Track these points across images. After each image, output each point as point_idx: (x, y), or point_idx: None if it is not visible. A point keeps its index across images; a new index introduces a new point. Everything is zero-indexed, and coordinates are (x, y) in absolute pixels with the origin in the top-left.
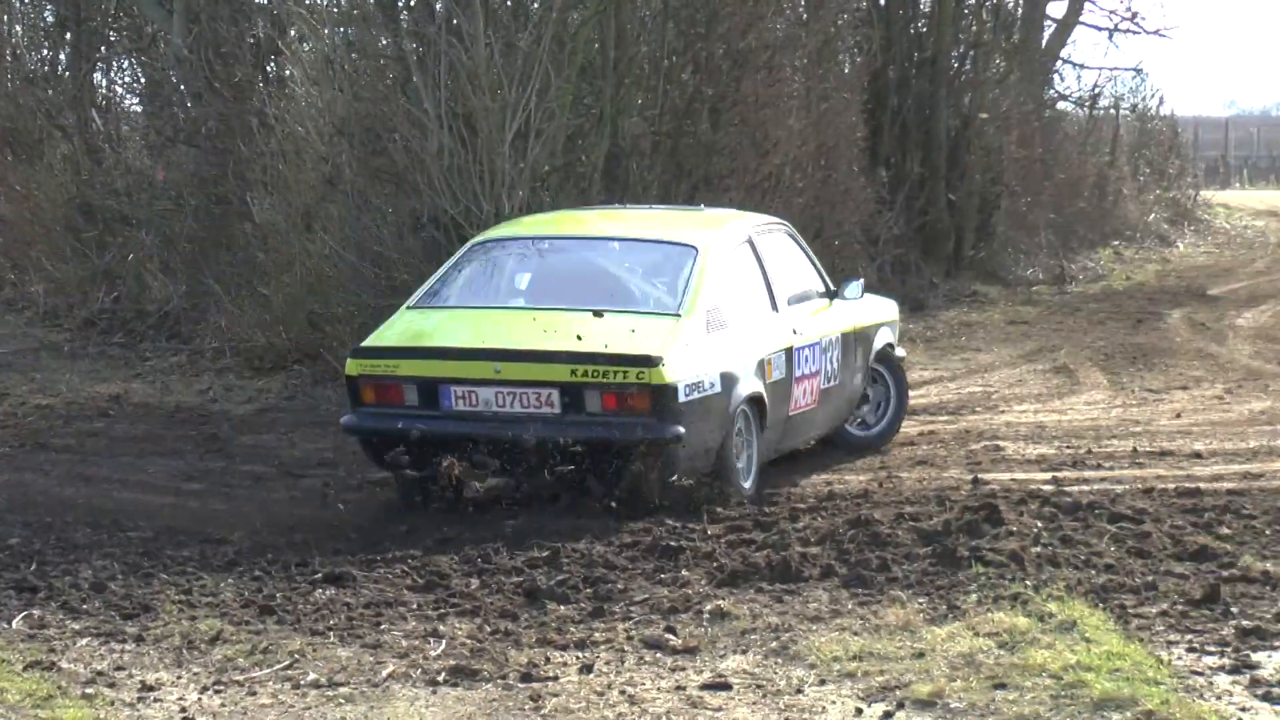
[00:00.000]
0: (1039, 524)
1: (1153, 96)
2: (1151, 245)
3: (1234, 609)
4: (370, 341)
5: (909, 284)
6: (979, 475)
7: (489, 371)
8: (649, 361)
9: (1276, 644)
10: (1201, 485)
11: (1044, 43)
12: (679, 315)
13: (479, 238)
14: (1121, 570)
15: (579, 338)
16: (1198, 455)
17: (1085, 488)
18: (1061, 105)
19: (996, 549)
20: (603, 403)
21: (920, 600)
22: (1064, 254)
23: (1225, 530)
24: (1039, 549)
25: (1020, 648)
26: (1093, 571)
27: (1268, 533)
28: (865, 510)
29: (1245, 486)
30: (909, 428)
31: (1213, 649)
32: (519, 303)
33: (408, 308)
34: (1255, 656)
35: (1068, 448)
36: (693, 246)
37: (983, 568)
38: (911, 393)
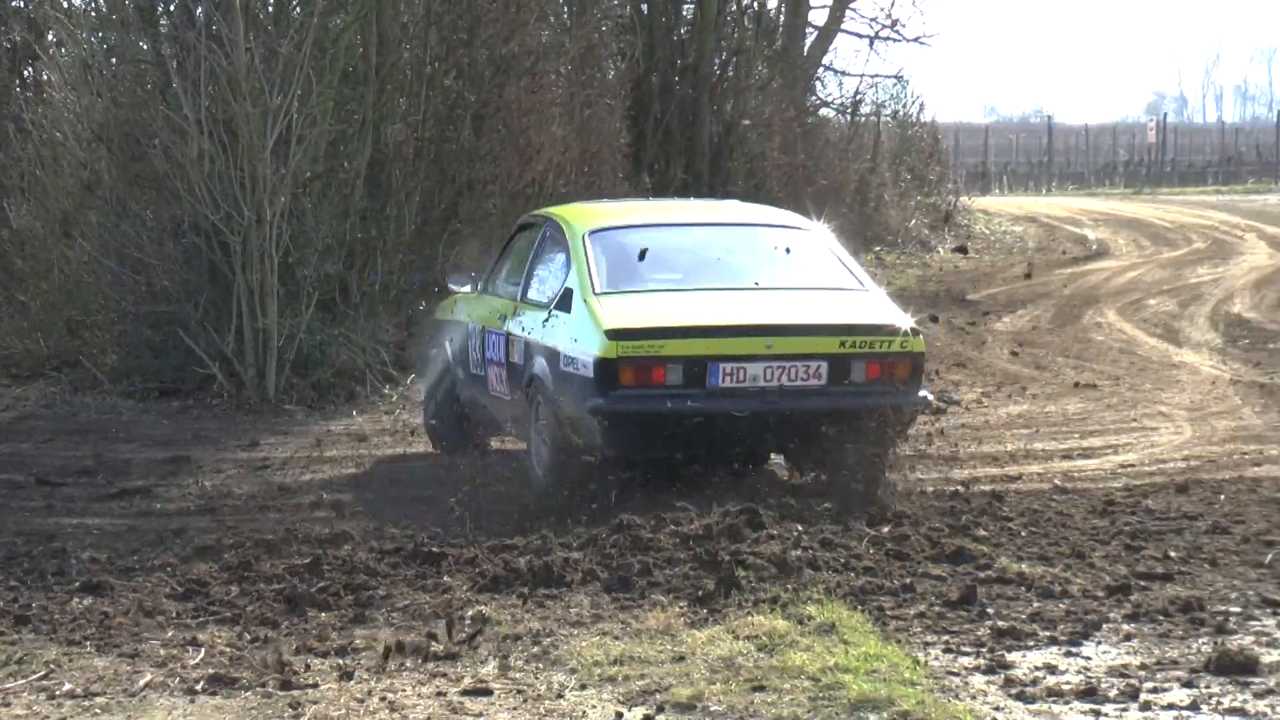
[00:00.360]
0: (800, 527)
1: (914, 103)
2: (913, 250)
3: (990, 610)
4: (626, 324)
5: None
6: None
7: (760, 347)
8: (911, 331)
9: (1030, 644)
10: (959, 488)
11: (806, 50)
12: (867, 290)
13: (586, 228)
14: (880, 572)
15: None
16: (955, 458)
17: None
18: (824, 112)
19: (757, 553)
20: (867, 373)
21: (681, 604)
22: None
23: (982, 532)
24: (799, 552)
25: (779, 650)
26: (852, 574)
27: (1024, 534)
28: (627, 515)
29: (1002, 489)
30: None
31: (968, 649)
32: (707, 284)
33: (596, 294)
34: (1010, 656)
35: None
36: (803, 229)
37: (743, 571)
38: None
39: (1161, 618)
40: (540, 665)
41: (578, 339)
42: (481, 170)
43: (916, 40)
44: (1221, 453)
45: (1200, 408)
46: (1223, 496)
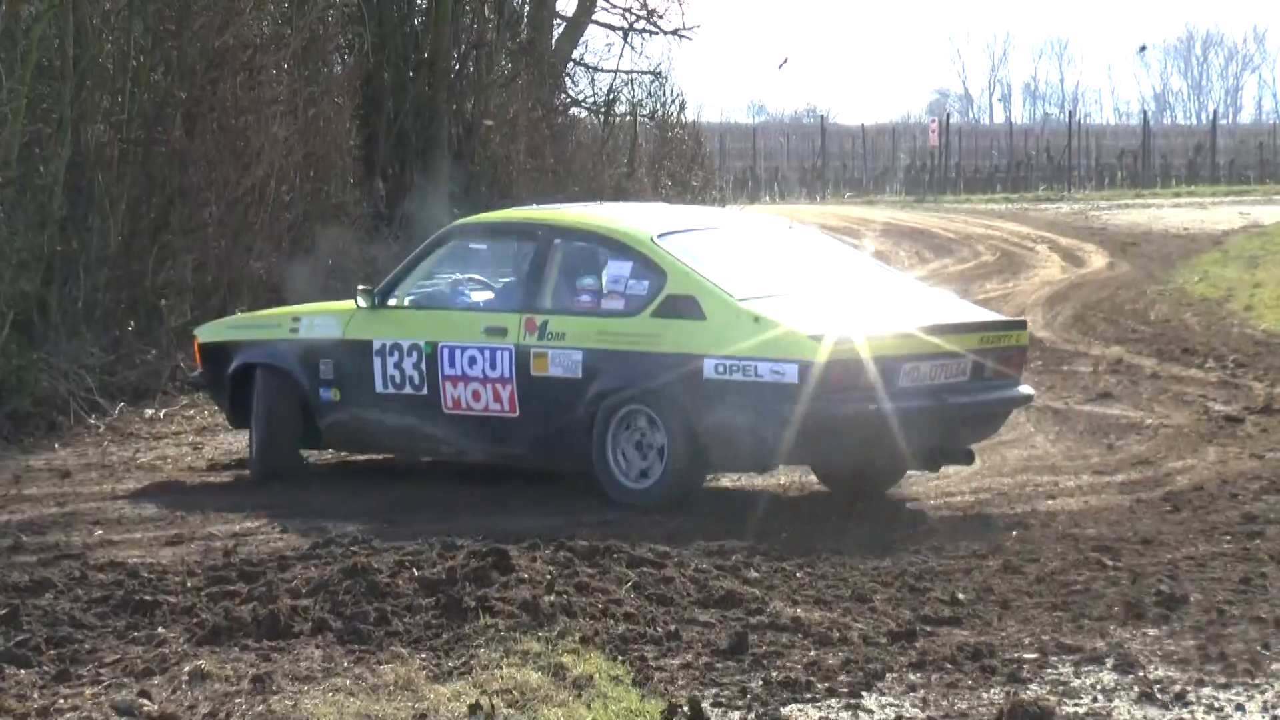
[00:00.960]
0: (553, 570)
1: (674, 102)
2: None
3: (763, 659)
4: (828, 328)
5: None
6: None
7: (932, 346)
8: (1023, 325)
9: (808, 696)
10: (731, 529)
11: (554, 43)
12: (925, 285)
13: (650, 232)
14: (642, 619)
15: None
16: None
17: (605, 530)
18: (575, 111)
19: (506, 598)
20: (996, 368)
21: (423, 656)
22: None
23: (754, 574)
24: (553, 597)
25: (532, 706)
26: (611, 621)
27: (799, 575)
28: (362, 558)
29: (774, 527)
30: (412, 470)
31: (739, 704)
32: (815, 285)
33: (739, 298)
34: (785, 711)
35: (587, 490)
36: (795, 227)
37: (491, 619)
38: None
39: (950, 666)
40: None
41: (749, 346)
42: (195, 175)
43: (675, 33)
44: (1013, 484)
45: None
46: (1014, 533)
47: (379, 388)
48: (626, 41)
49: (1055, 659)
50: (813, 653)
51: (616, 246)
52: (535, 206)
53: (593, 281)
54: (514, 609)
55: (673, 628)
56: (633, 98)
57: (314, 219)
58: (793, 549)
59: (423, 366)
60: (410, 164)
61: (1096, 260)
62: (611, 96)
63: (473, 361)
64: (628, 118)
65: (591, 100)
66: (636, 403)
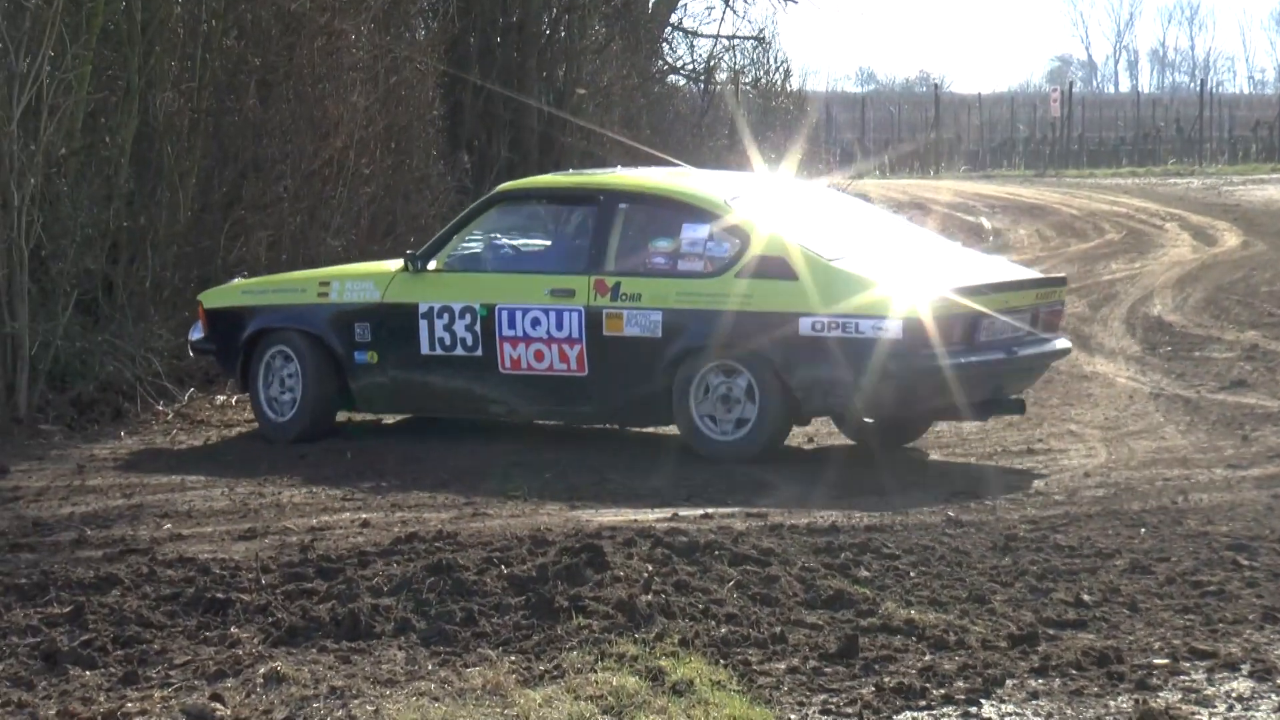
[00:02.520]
0: (650, 568)
1: (778, 69)
2: None
3: (874, 664)
4: (924, 285)
5: None
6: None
7: (1003, 302)
8: (1063, 281)
9: (922, 704)
10: (836, 521)
11: (650, 6)
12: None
13: (724, 196)
14: (745, 620)
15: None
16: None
17: (705, 525)
18: (672, 79)
19: (601, 597)
20: (1046, 322)
21: (512, 659)
22: None
23: (864, 573)
24: (650, 597)
25: (629, 713)
26: (712, 622)
27: (912, 575)
28: (448, 554)
29: (887, 521)
30: (499, 457)
31: (849, 710)
32: (892, 245)
33: (829, 259)
34: (898, 718)
35: (683, 480)
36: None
37: (585, 619)
38: None
39: (1074, 671)
40: None
41: (846, 304)
42: (269, 147)
43: None
44: (1141, 479)
45: (1116, 426)
46: (1143, 530)
47: (424, 349)
48: (728, 5)
49: (1187, 665)
50: (927, 657)
51: (692, 210)
52: (584, 171)
53: (668, 244)
54: (609, 609)
55: (778, 629)
56: (734, 64)
57: (395, 194)
58: (906, 546)
59: (477, 328)
60: (498, 136)
61: (1230, 239)
62: (711, 63)
63: (536, 323)
64: (729, 86)
65: (690, 67)
66: (725, 359)
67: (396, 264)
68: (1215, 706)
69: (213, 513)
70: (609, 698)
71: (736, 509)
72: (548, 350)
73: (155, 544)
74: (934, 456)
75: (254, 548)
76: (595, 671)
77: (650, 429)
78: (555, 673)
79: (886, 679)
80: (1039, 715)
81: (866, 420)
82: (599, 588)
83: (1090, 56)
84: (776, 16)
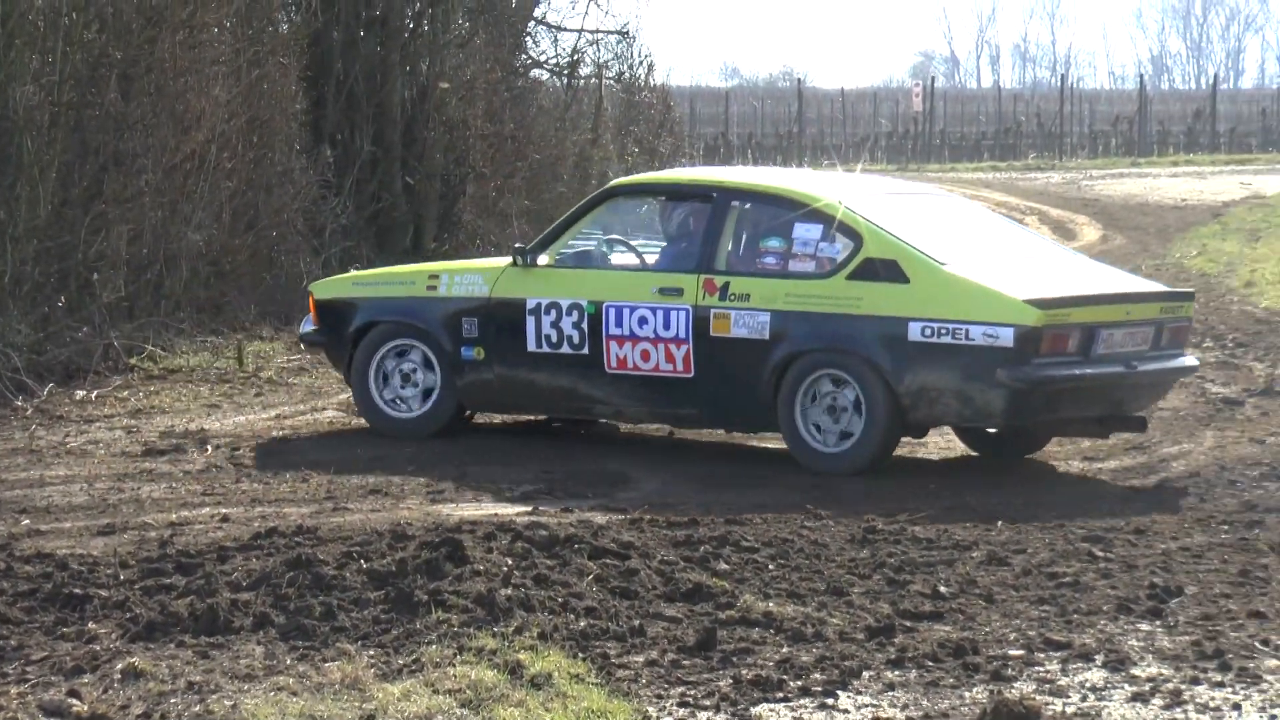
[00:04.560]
0: (510, 562)
1: (642, 64)
2: None
3: (733, 656)
4: (1042, 294)
5: None
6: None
7: (1123, 314)
8: (1190, 296)
9: (779, 696)
10: (695, 515)
11: (514, 1)
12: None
13: (839, 198)
14: (604, 614)
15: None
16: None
17: (566, 519)
18: (536, 73)
19: (460, 591)
20: (1170, 337)
21: (371, 653)
22: None
23: (723, 566)
24: (509, 591)
25: (486, 706)
26: (572, 616)
27: (771, 568)
28: (307, 549)
29: (746, 516)
30: (358, 452)
31: (708, 703)
32: (1007, 253)
33: (941, 263)
34: (755, 711)
35: (545, 473)
36: (943, 194)
37: (444, 613)
38: (353, 411)
39: (930, 663)
40: None
41: (959, 310)
42: (131, 141)
43: None
44: (1001, 470)
45: None
46: (1000, 522)
47: (531, 346)
48: None
49: (1042, 655)
50: (785, 649)
51: (805, 210)
52: (700, 169)
53: (779, 244)
54: (468, 603)
55: (637, 623)
56: (598, 59)
57: (257, 187)
58: (765, 539)
59: (584, 326)
60: (360, 130)
61: (1089, 233)
62: (575, 57)
63: (643, 321)
64: (592, 80)
65: (554, 62)
66: (832, 365)
67: (507, 260)
68: (1069, 696)
69: (71, 508)
70: (467, 691)
71: (597, 503)
72: (654, 350)
73: (13, 540)
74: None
75: (113, 543)
76: (454, 665)
77: (756, 437)
78: (414, 666)
79: (744, 671)
80: (895, 706)
81: (990, 431)
82: (458, 582)
83: (953, 52)
84: (640, 11)
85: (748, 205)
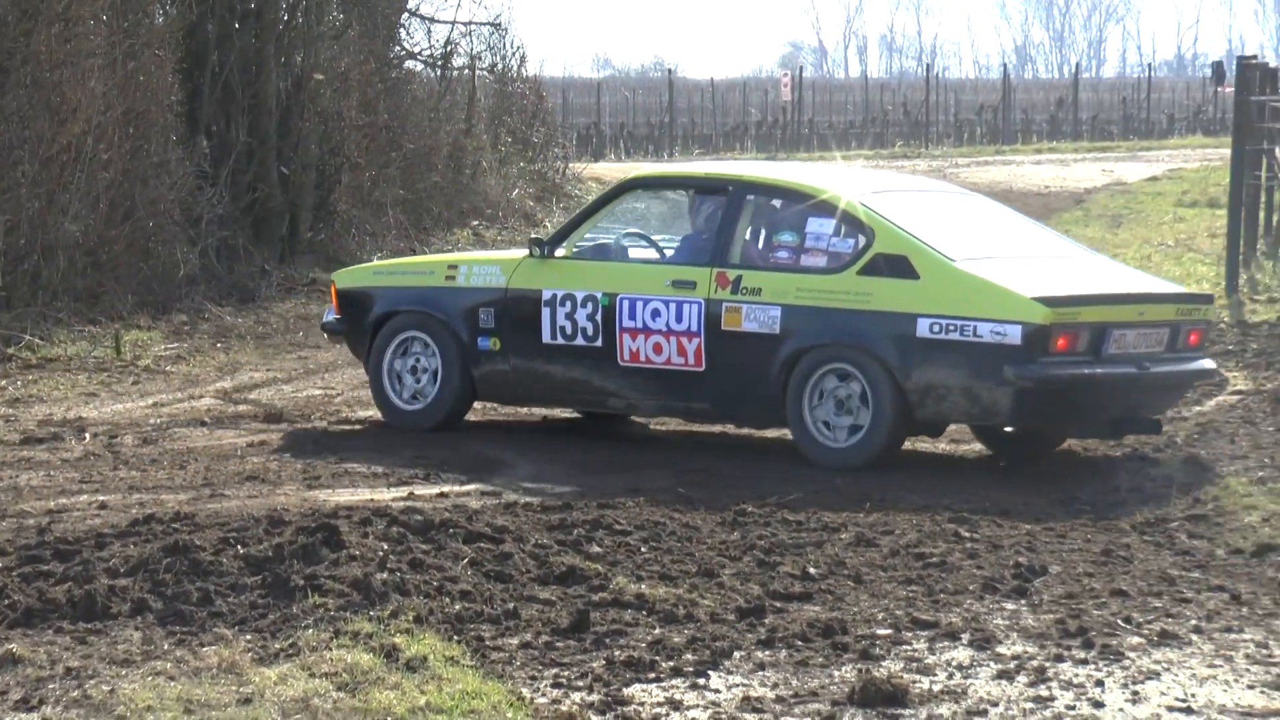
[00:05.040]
0: (385, 546)
1: (514, 55)
2: (516, 225)
3: (605, 638)
4: (1053, 291)
5: (237, 271)
6: (318, 492)
7: (1135, 314)
8: (1211, 299)
9: (651, 676)
10: (570, 498)
11: None
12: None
13: (862, 192)
14: (479, 597)
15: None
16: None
17: (441, 504)
18: (410, 64)
19: (336, 576)
20: (1187, 339)
21: (248, 637)
22: (416, 235)
23: (596, 549)
24: (385, 575)
25: (363, 689)
26: (447, 599)
27: (643, 550)
28: (185, 535)
29: (619, 499)
30: (236, 439)
31: (581, 684)
32: (1021, 251)
33: (954, 260)
34: (628, 691)
35: (420, 458)
36: (965, 193)
37: (320, 598)
38: (237, 396)
39: (800, 643)
40: (82, 711)
41: (968, 306)
42: (6, 133)
43: None
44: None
45: None
46: (868, 504)
47: (546, 338)
48: None
49: (909, 635)
50: (657, 631)
51: (819, 204)
52: (719, 162)
53: (792, 238)
54: (344, 587)
55: (511, 606)
56: (471, 50)
57: (133, 179)
58: (638, 522)
59: (598, 318)
60: (236, 121)
61: None
62: (449, 49)
63: (656, 314)
64: (466, 71)
65: (428, 53)
66: (839, 360)
67: (525, 251)
68: (936, 675)
69: None
70: (343, 675)
71: (472, 487)
72: (666, 343)
73: None
74: (661, 431)
75: None
76: (330, 649)
77: (767, 433)
78: (290, 651)
79: (617, 653)
80: (765, 686)
81: (1007, 430)
82: (335, 566)
83: (821, 42)
84: (513, 2)
85: (763, 199)
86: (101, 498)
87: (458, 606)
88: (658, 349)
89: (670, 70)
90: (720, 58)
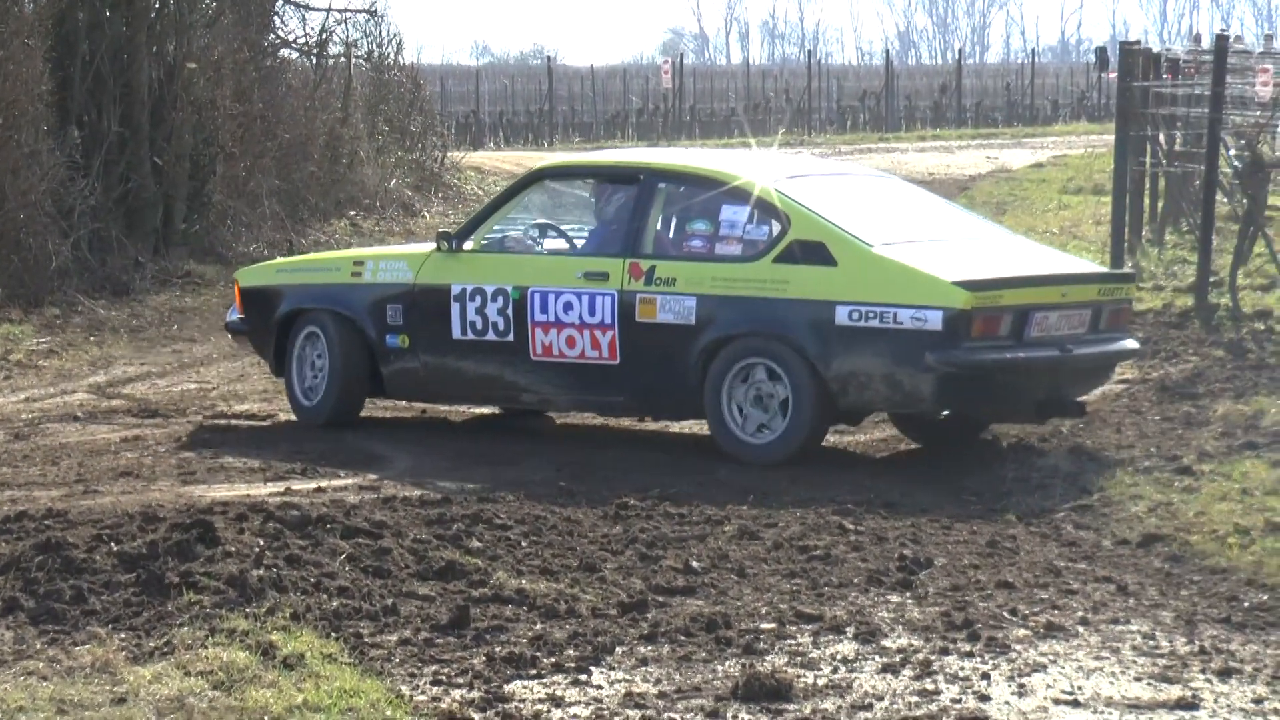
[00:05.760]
0: (261, 543)
1: (391, 42)
2: (394, 215)
3: (486, 634)
4: (972, 275)
5: (110, 263)
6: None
7: (1057, 296)
8: (1131, 278)
9: (533, 673)
10: (449, 492)
11: None
12: (1016, 235)
13: (776, 176)
14: (357, 593)
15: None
16: None
17: (318, 499)
18: (285, 53)
19: (212, 573)
20: (1109, 319)
21: (122, 636)
22: (292, 226)
23: (476, 543)
24: (261, 572)
25: (238, 687)
26: (324, 596)
27: (524, 545)
28: (57, 532)
29: (499, 493)
30: (110, 434)
31: (461, 681)
32: (939, 235)
33: (872, 245)
34: (509, 688)
35: (297, 453)
36: (886, 177)
37: (196, 595)
38: (111, 391)
39: (683, 638)
40: None
41: (886, 292)
42: None
43: None
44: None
45: None
46: (751, 497)
47: (456, 334)
48: None
49: (794, 629)
50: (538, 626)
51: (733, 191)
52: (630, 150)
53: (706, 226)
54: (220, 584)
55: (390, 602)
56: (347, 38)
57: (3, 170)
58: (518, 516)
59: (509, 312)
60: (108, 110)
61: None
62: (324, 36)
63: (568, 307)
64: (342, 59)
65: (303, 41)
66: (757, 352)
67: (432, 246)
68: (820, 669)
69: None
70: (219, 673)
71: (350, 481)
72: (580, 336)
73: None
74: (541, 424)
75: None
76: (206, 647)
77: (685, 425)
78: (165, 649)
79: (498, 649)
80: (648, 681)
81: (940, 418)
82: (210, 563)
83: (702, 29)
84: None
85: (675, 187)
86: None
87: (335, 603)
88: (571, 342)
89: (550, 57)
90: (601, 45)
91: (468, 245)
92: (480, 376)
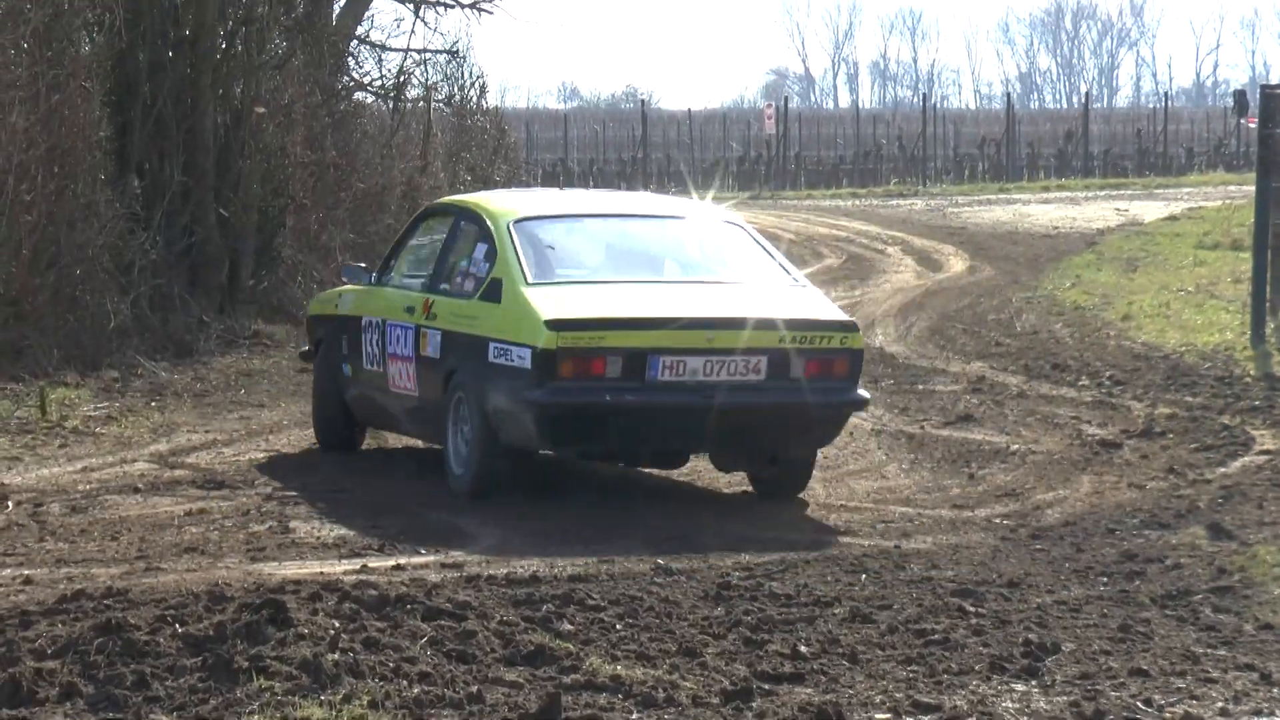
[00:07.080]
0: (337, 624)
1: (473, 85)
2: None
3: None
4: (566, 314)
5: (173, 323)
6: (261, 565)
7: (701, 340)
8: (851, 327)
9: None
10: (537, 570)
11: (335, 18)
12: (800, 284)
13: (511, 217)
14: (440, 679)
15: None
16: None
17: (397, 577)
18: (360, 96)
19: (284, 657)
20: (805, 369)
21: None
22: None
23: (567, 626)
24: (337, 655)
25: None
26: (404, 682)
27: (618, 628)
28: (117, 612)
29: (591, 571)
30: (172, 507)
31: None
32: (640, 276)
33: (528, 284)
34: None
35: (373, 527)
36: (725, 221)
37: (266, 681)
38: (174, 460)
39: None
40: None
41: (511, 330)
42: None
43: (474, 6)
44: (862, 520)
45: (835, 465)
46: (864, 576)
47: (365, 364)
48: (418, 16)
49: (910, 719)
50: (635, 716)
51: (483, 229)
52: (481, 192)
53: (465, 263)
54: (292, 669)
55: (475, 689)
56: (426, 80)
57: (59, 222)
58: (612, 596)
59: (379, 343)
60: (170, 158)
61: (955, 264)
62: (402, 79)
63: (397, 339)
64: (420, 103)
65: (379, 83)
66: (459, 387)
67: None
68: None
69: None
70: None
71: (431, 559)
72: (403, 369)
73: None
74: (640, 501)
75: None
76: None
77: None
78: None
79: None
80: None
81: (772, 465)
82: (281, 646)
83: (807, 70)
84: (470, 29)
85: (463, 224)
86: (26, 572)
87: (416, 690)
88: (400, 374)
89: (644, 100)
90: (698, 88)
91: (379, 278)
92: (376, 406)
